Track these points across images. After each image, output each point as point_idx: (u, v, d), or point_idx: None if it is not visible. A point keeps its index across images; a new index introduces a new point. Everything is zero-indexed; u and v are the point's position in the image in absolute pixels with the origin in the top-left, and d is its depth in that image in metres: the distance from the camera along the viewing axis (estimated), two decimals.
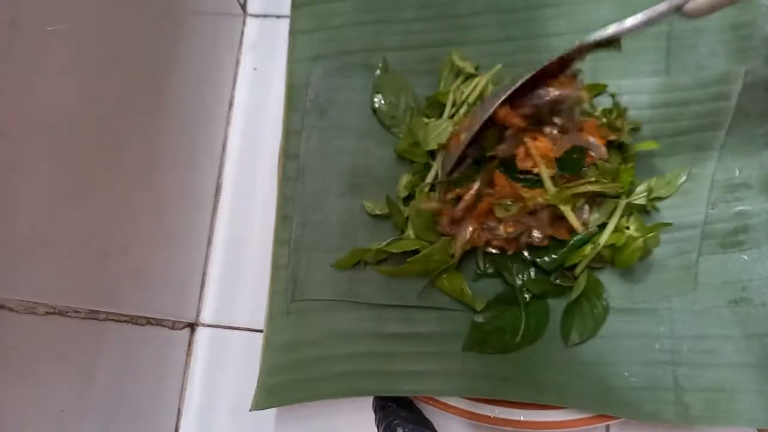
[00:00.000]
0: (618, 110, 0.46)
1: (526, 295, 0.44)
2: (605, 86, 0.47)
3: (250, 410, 0.42)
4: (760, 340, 0.40)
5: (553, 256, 0.43)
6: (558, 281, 0.44)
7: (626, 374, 0.41)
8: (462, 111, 0.47)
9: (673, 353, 0.41)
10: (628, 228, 0.42)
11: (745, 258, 0.42)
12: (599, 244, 0.42)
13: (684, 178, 0.44)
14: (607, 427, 0.47)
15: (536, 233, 0.42)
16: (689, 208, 0.43)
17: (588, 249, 0.43)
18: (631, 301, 0.43)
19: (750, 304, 0.41)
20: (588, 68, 0.48)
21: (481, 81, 0.48)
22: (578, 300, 0.43)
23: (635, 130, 0.46)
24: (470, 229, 0.44)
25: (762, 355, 0.40)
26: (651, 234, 0.42)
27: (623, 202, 0.43)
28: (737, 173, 0.44)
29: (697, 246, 0.43)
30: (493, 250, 0.45)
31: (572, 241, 0.43)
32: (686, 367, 0.41)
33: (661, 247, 0.43)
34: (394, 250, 0.45)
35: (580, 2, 0.49)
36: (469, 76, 0.49)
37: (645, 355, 0.41)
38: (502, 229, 0.43)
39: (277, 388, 0.43)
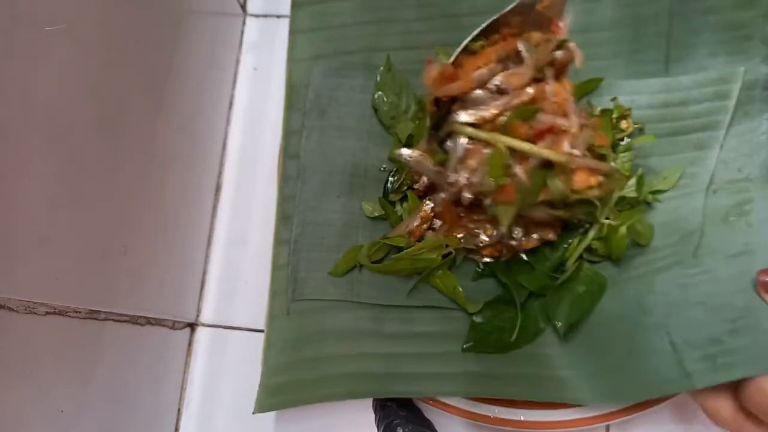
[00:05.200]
0: (620, 111, 0.46)
1: (522, 296, 0.43)
2: (601, 80, 0.47)
3: (253, 413, 0.42)
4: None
5: (547, 263, 0.44)
6: (554, 272, 0.44)
7: (624, 353, 0.40)
8: None
9: (665, 316, 0.40)
10: (608, 218, 0.42)
11: (750, 224, 0.41)
12: (588, 236, 0.43)
13: (679, 175, 0.44)
14: (607, 427, 0.47)
15: (516, 231, 0.42)
16: (687, 198, 0.43)
17: (576, 241, 0.43)
18: (627, 282, 0.43)
19: (751, 254, 0.39)
20: (587, 68, 0.48)
21: None
22: (570, 288, 0.43)
23: (641, 130, 0.46)
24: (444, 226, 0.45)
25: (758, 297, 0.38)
26: (632, 220, 0.42)
27: (615, 195, 0.43)
28: (738, 172, 0.44)
29: (698, 228, 0.42)
30: (488, 259, 0.45)
31: (565, 245, 0.44)
32: (681, 327, 0.39)
33: (662, 240, 0.43)
34: (385, 242, 0.45)
35: (581, 2, 0.49)
36: None
37: (639, 325, 0.40)
38: (483, 236, 0.43)
39: (280, 389, 0.43)
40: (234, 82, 0.60)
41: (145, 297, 0.46)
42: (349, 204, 0.48)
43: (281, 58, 0.52)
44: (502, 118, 0.39)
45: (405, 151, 0.42)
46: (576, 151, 0.39)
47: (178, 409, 0.52)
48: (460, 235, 0.44)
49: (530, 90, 0.40)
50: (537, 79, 0.41)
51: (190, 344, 0.54)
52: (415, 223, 0.45)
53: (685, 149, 0.45)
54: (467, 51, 0.41)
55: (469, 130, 0.39)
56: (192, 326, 0.54)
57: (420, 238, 0.45)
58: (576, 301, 0.42)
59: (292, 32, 0.52)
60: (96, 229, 0.40)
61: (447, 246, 0.44)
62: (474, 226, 0.44)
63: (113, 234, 0.41)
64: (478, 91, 0.40)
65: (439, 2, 0.51)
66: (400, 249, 0.45)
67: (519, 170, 0.39)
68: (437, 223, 0.45)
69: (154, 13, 0.45)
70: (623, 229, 0.42)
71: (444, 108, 0.41)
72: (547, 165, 0.39)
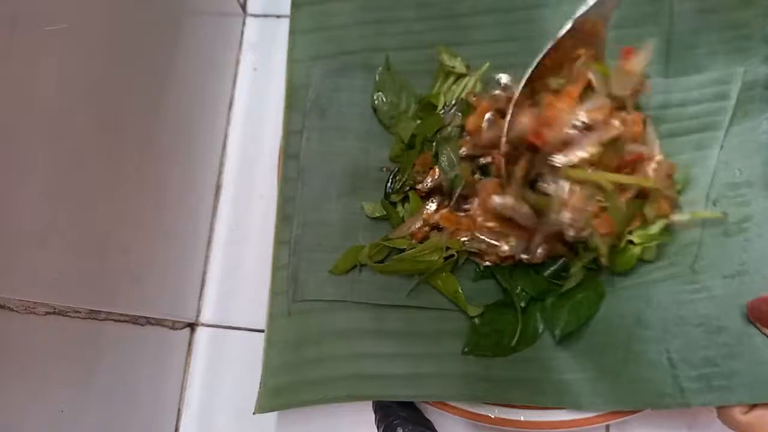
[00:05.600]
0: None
1: (522, 301, 0.43)
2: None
3: (254, 413, 0.42)
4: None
5: (549, 269, 0.44)
6: (554, 279, 0.44)
7: (622, 362, 0.41)
8: (451, 112, 0.47)
9: (664, 331, 0.40)
10: (630, 232, 0.42)
11: (747, 240, 0.41)
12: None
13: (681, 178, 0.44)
14: (607, 427, 0.47)
15: (540, 250, 0.42)
16: (688, 206, 0.43)
17: (582, 251, 0.43)
18: (625, 292, 0.43)
19: (746, 275, 0.40)
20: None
21: (470, 81, 0.48)
22: (570, 294, 0.43)
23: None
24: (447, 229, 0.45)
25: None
26: (650, 244, 0.42)
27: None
28: (738, 173, 0.43)
29: (697, 239, 0.42)
30: (488, 263, 0.45)
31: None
32: (679, 344, 0.40)
33: (660, 249, 0.43)
34: (388, 244, 0.45)
35: (580, 2, 0.49)
36: (460, 77, 0.49)
37: (636, 337, 0.41)
38: (504, 246, 0.43)
39: (280, 390, 0.43)
40: (234, 82, 0.60)
41: (145, 297, 0.46)
42: (349, 204, 0.48)
43: (281, 58, 0.52)
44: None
45: (498, 200, 0.41)
46: (667, 178, 0.41)
47: (178, 409, 0.52)
48: (464, 239, 0.44)
49: (616, 122, 0.40)
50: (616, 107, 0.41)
51: (190, 344, 0.54)
52: (417, 225, 0.45)
53: (685, 150, 0.45)
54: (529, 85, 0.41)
55: (576, 173, 0.39)
56: (192, 326, 0.54)
57: (422, 240, 0.45)
58: (574, 308, 0.42)
59: (292, 32, 0.52)
60: (96, 229, 0.40)
61: (449, 249, 0.44)
62: (491, 236, 0.44)
63: (113, 234, 0.41)
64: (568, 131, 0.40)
65: (439, 2, 0.51)
66: (401, 249, 0.45)
67: (621, 203, 0.40)
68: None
69: (154, 13, 0.45)
70: (638, 249, 0.42)
71: (529, 150, 0.41)
72: (639, 195, 0.41)
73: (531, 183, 0.41)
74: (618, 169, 0.41)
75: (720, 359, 0.39)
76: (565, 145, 0.39)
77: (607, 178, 0.39)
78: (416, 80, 0.50)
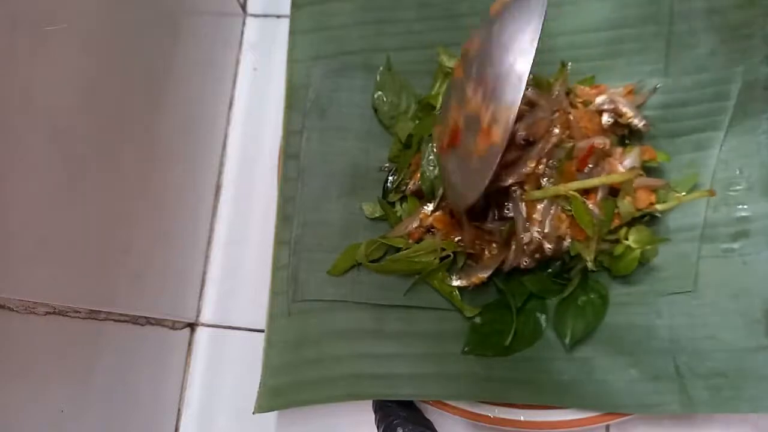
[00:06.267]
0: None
1: (520, 300, 0.43)
2: (592, 77, 0.47)
3: (253, 413, 0.42)
4: (763, 324, 0.40)
5: (548, 269, 0.44)
6: (556, 278, 0.44)
7: (627, 367, 0.41)
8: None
9: (672, 342, 0.41)
10: (627, 238, 0.42)
11: (745, 264, 0.42)
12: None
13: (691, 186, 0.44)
14: (607, 427, 0.47)
15: (526, 260, 0.42)
16: (689, 209, 0.43)
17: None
18: (630, 298, 0.43)
19: (752, 296, 0.41)
20: (588, 69, 0.48)
21: None
22: (574, 297, 0.43)
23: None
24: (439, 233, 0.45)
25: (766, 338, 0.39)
26: (649, 246, 0.42)
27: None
28: (738, 173, 0.43)
29: (696, 249, 0.43)
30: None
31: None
32: (687, 356, 0.40)
33: (661, 249, 0.43)
34: (385, 242, 0.45)
35: (581, 2, 0.49)
36: None
37: (644, 346, 0.41)
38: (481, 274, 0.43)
39: (280, 390, 0.43)
40: (234, 82, 0.60)
41: (145, 297, 0.46)
42: (349, 205, 0.48)
43: (281, 58, 0.52)
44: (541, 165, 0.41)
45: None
46: (635, 166, 0.41)
47: (178, 409, 0.52)
48: (458, 238, 0.44)
49: (557, 130, 0.41)
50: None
51: (190, 344, 0.54)
52: (414, 225, 0.45)
53: (685, 150, 0.45)
54: None
55: (537, 193, 0.40)
56: (192, 326, 0.54)
57: (418, 240, 0.45)
58: (579, 312, 0.43)
59: (292, 32, 0.52)
60: (96, 229, 0.39)
61: (444, 249, 0.44)
62: (480, 242, 0.44)
63: (113, 234, 0.41)
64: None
65: (439, 2, 0.51)
66: (399, 249, 0.45)
67: (591, 206, 0.40)
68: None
69: (154, 13, 0.45)
70: (637, 252, 0.42)
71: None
72: (612, 193, 0.41)
73: (497, 214, 0.42)
74: (580, 170, 0.41)
75: (731, 371, 0.39)
76: (515, 165, 0.41)
77: (560, 190, 0.40)
78: (416, 80, 0.50)
